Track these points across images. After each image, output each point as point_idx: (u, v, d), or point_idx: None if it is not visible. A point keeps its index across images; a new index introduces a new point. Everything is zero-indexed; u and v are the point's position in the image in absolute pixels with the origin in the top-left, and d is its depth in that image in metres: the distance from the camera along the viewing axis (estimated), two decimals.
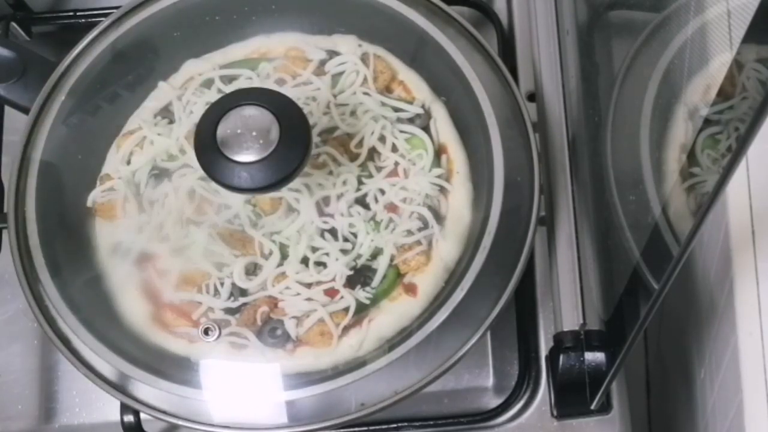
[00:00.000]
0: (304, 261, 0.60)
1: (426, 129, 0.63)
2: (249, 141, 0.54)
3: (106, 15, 0.67)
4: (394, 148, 0.62)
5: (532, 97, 0.70)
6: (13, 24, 0.75)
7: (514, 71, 0.70)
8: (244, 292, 0.60)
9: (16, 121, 0.70)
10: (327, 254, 0.60)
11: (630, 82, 0.61)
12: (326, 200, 0.61)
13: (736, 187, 0.57)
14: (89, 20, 0.75)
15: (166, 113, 0.65)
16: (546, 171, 0.67)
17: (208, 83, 0.65)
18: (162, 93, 0.65)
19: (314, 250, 0.60)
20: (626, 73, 0.61)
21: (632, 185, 0.59)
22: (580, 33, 0.69)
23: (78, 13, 0.76)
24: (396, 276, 0.60)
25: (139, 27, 0.66)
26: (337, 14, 0.67)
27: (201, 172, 0.55)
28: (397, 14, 0.66)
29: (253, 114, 0.54)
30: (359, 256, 0.60)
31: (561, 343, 0.64)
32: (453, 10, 0.66)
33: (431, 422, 0.67)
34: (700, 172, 0.50)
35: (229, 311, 0.60)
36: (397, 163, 0.62)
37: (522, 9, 0.73)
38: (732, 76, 0.39)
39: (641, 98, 0.58)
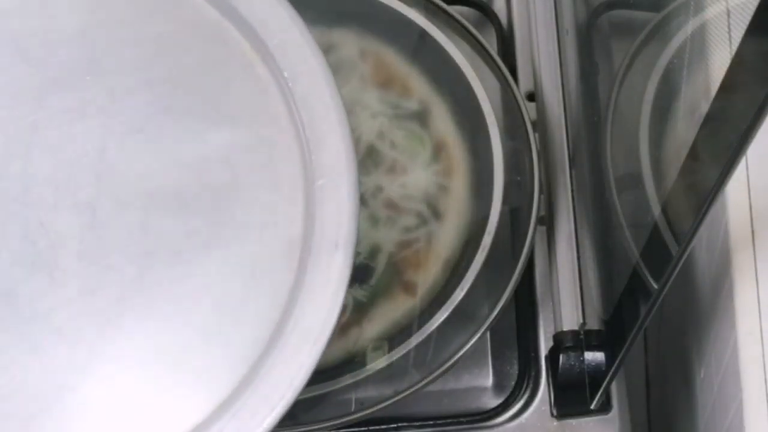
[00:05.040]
0: None
1: (425, 125, 0.63)
2: None
3: None
4: (393, 145, 0.62)
5: (531, 97, 0.70)
6: None
7: (513, 71, 0.70)
8: None
9: None
10: None
11: (629, 81, 0.61)
12: None
13: (735, 187, 0.56)
14: None
15: None
16: (546, 170, 0.67)
17: None
18: None
19: None
20: (626, 72, 0.61)
21: (632, 185, 0.59)
22: (579, 32, 0.69)
23: None
24: (394, 274, 0.60)
25: None
26: (336, 9, 0.67)
27: None
28: (397, 13, 0.66)
29: None
30: (357, 253, 0.60)
31: (561, 342, 0.64)
32: (453, 10, 0.66)
33: (431, 422, 0.66)
34: (700, 172, 0.50)
35: None
36: (395, 160, 0.62)
37: (521, 9, 0.73)
38: (731, 75, 0.39)
39: (640, 97, 0.58)
